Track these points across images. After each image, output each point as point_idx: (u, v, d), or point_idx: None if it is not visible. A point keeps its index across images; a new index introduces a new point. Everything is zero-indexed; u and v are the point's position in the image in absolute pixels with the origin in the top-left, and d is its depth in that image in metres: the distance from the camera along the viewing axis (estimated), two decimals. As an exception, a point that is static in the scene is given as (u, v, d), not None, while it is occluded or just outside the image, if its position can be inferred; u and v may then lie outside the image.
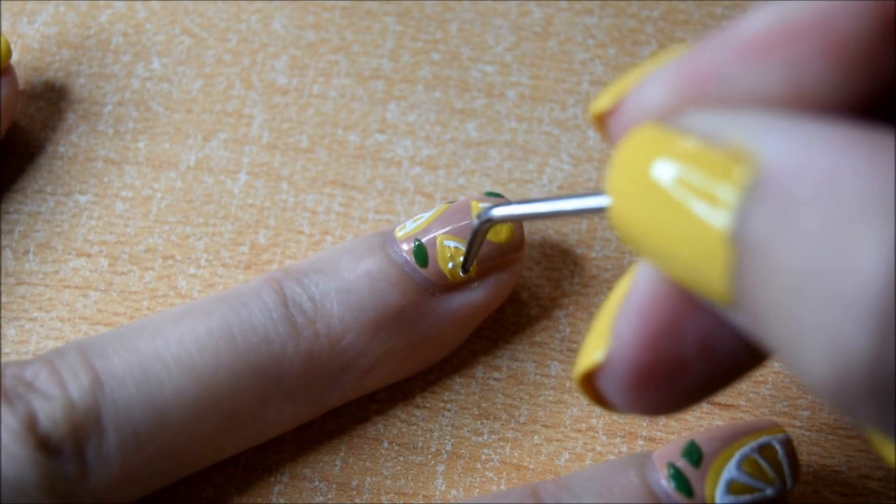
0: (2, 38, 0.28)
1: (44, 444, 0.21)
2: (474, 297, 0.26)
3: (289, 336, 0.24)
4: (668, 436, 0.26)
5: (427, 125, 0.30)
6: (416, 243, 0.25)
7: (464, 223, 0.25)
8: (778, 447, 0.23)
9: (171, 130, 0.30)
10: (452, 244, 0.25)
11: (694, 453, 0.23)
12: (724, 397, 0.27)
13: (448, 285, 0.25)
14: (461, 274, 0.25)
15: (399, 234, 0.25)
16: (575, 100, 0.30)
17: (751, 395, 0.27)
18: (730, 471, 0.23)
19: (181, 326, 0.23)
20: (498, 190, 0.29)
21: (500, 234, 0.25)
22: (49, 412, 0.22)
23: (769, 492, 0.23)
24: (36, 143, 0.30)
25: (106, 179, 0.29)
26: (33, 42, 0.31)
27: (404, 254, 0.25)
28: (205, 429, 0.23)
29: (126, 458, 0.22)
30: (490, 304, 0.26)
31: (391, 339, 0.25)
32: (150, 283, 0.28)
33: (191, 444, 0.23)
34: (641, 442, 0.26)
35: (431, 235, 0.25)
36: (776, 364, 0.27)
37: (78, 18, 0.32)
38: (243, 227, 0.29)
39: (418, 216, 0.26)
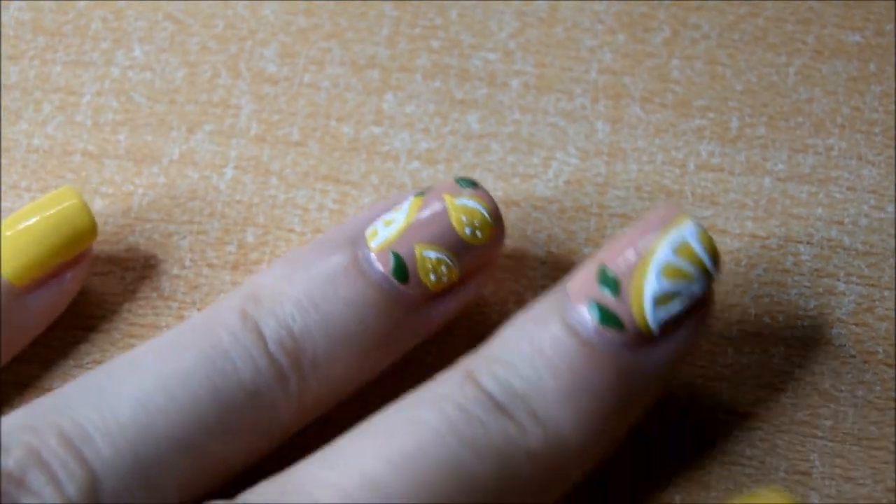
0: (88, 215, 0.26)
1: None
2: (456, 302, 0.25)
3: (278, 387, 0.24)
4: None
5: (426, 117, 0.30)
6: (394, 260, 0.24)
7: (443, 226, 0.24)
8: (692, 242, 0.22)
9: (153, 122, 0.30)
10: (433, 255, 0.24)
11: (609, 281, 0.22)
12: (741, 406, 0.26)
13: (430, 296, 0.25)
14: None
15: (372, 243, 0.24)
16: (582, 89, 0.30)
17: (770, 403, 0.26)
18: (651, 285, 0.22)
19: (162, 390, 0.23)
20: (500, 185, 0.29)
21: (481, 236, 0.25)
22: None
23: (695, 288, 0.22)
24: (10, 136, 0.30)
25: (84, 174, 0.29)
26: (8, 29, 0.31)
27: (381, 269, 0.24)
28: (197, 489, 0.23)
29: None
30: (469, 304, 0.26)
31: (377, 363, 0.25)
32: (130, 284, 0.28)
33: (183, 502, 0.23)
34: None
35: (409, 247, 0.24)
36: (796, 371, 0.27)
37: (54, 3, 0.32)
38: (230, 224, 0.29)
39: (389, 218, 0.25)
